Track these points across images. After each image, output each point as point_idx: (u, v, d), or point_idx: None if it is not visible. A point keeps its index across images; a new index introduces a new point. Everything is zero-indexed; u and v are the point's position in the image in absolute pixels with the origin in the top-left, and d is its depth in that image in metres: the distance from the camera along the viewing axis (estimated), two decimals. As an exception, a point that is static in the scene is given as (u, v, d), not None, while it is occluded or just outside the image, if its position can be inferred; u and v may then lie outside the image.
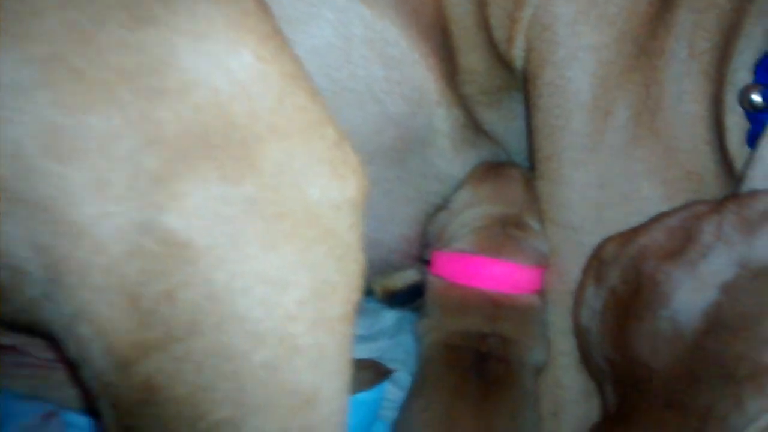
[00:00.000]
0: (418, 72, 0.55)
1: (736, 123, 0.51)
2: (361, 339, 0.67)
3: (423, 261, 0.65)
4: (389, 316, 0.69)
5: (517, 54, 0.59)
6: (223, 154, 0.33)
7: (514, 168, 0.64)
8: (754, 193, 0.45)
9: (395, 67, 0.54)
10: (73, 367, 0.41)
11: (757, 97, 0.48)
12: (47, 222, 0.34)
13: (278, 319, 0.34)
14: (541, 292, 0.60)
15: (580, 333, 0.56)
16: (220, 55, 0.33)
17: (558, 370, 0.59)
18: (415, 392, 0.58)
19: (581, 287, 0.56)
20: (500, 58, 0.61)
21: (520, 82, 0.61)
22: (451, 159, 0.62)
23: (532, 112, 0.58)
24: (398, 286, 0.68)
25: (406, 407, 0.58)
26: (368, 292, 0.70)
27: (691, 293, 0.45)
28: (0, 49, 0.32)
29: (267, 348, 0.34)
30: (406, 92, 0.55)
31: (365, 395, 0.63)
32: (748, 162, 0.48)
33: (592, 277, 0.55)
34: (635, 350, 0.50)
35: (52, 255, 0.34)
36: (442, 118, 0.59)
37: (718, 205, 0.45)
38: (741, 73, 0.50)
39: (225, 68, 0.33)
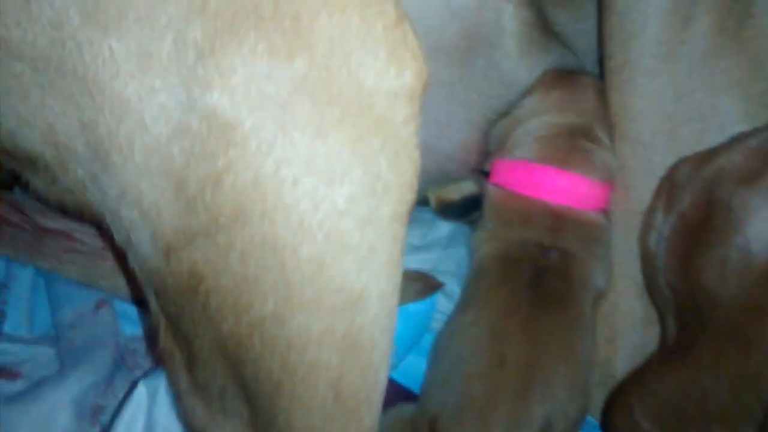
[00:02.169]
0: None
1: None
2: (414, 249, 0.65)
3: (482, 172, 0.62)
4: (443, 227, 0.67)
5: None
6: (272, 26, 0.30)
7: (585, 76, 0.60)
8: None
9: None
10: (120, 255, 0.40)
11: None
12: (91, 96, 0.32)
13: (327, 213, 0.32)
14: (608, 211, 0.57)
15: (646, 258, 0.53)
16: None
17: (617, 295, 0.57)
18: (463, 306, 0.56)
19: (651, 210, 0.52)
20: None
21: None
22: (517, 62, 0.57)
23: (605, 15, 0.53)
24: (454, 198, 0.65)
25: (452, 320, 0.56)
26: (423, 202, 0.67)
27: (765, 221, 0.41)
28: None
29: (314, 243, 0.32)
30: None
31: (416, 306, 0.61)
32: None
33: (663, 200, 0.51)
34: (702, 279, 0.47)
35: (97, 132, 0.32)
36: (510, 15, 0.55)
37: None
38: None
39: None
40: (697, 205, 0.47)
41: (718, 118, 0.50)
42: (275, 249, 0.32)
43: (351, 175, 0.32)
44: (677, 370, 0.48)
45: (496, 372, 0.51)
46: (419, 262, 0.64)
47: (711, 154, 0.48)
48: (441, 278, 0.63)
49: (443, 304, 0.62)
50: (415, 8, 0.51)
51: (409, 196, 0.35)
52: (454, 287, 0.62)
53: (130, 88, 0.31)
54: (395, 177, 0.33)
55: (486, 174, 0.60)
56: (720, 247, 0.45)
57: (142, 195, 0.33)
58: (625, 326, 0.56)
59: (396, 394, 0.59)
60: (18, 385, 0.50)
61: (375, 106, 0.32)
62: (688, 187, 0.49)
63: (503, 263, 0.55)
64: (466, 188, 0.65)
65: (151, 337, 0.48)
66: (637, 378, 0.53)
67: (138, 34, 0.30)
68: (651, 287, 0.53)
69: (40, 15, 0.31)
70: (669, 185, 0.50)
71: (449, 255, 0.65)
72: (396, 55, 0.32)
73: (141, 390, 0.44)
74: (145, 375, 0.46)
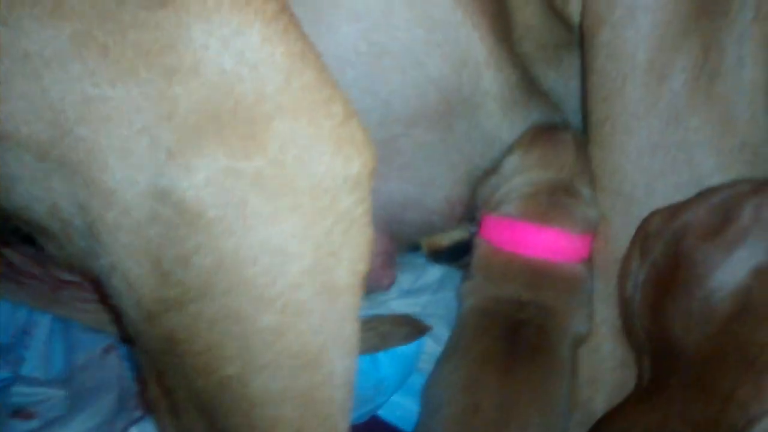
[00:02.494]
0: (462, 32, 0.54)
1: None
2: (404, 293, 0.69)
3: (471, 220, 0.65)
4: (434, 272, 0.70)
5: (574, 10, 0.56)
6: (230, 131, 0.34)
7: (566, 132, 0.62)
8: (799, 176, 0.42)
9: (437, 29, 0.53)
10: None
11: None
12: (84, 184, 0.37)
13: (283, 286, 0.36)
14: (589, 261, 0.60)
15: (623, 303, 0.55)
16: (227, 37, 0.34)
17: (599, 338, 0.59)
18: (446, 354, 0.59)
19: (627, 257, 0.55)
20: (557, 14, 0.58)
21: (578, 39, 0.59)
22: (499, 121, 0.60)
23: (587, 74, 0.56)
24: (444, 244, 0.68)
25: (436, 368, 0.59)
26: (416, 247, 0.71)
27: (725, 275, 0.44)
28: (36, 22, 0.35)
29: (272, 313, 0.36)
30: (448, 54, 0.54)
31: (403, 349, 0.65)
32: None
33: (638, 248, 0.54)
34: (669, 327, 0.49)
35: (90, 214, 0.37)
36: (490, 79, 0.58)
37: (760, 185, 0.43)
38: None
39: (233, 49, 0.34)
40: (666, 256, 0.50)
41: (693, 172, 0.52)
42: (238, 319, 0.37)
43: (304, 252, 0.36)
44: (649, 411, 0.51)
45: (471, 419, 0.54)
46: (408, 306, 0.68)
47: (679, 208, 0.51)
48: (429, 321, 0.66)
49: (431, 347, 0.65)
50: (394, 79, 0.55)
51: (361, 266, 0.39)
52: (442, 330, 0.65)
53: (114, 178, 0.36)
54: (347, 251, 0.38)
55: (476, 223, 0.63)
56: (684, 298, 0.47)
57: (128, 269, 0.38)
58: (605, 368, 0.58)
59: (384, 431, 0.62)
60: (33, 425, 0.55)
61: (326, 191, 0.36)
62: (659, 238, 0.51)
63: (482, 316, 0.58)
64: (456, 234, 0.68)
65: (142, 386, 0.52)
66: (612, 417, 0.55)
67: (120, 134, 0.35)
68: (628, 331, 0.55)
69: (42, 115, 0.36)
70: (643, 235, 0.53)
71: (438, 299, 0.68)
72: (343, 149, 0.36)
73: (133, 433, 0.49)
74: (138, 420, 0.51)
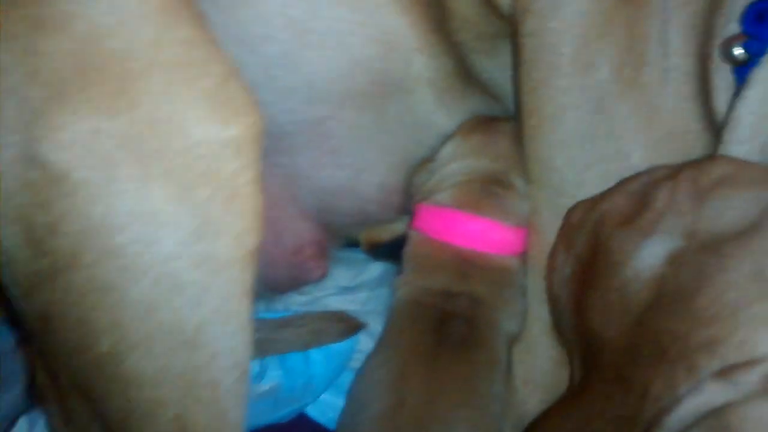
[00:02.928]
0: (389, 15, 0.52)
1: (723, 80, 0.45)
2: (342, 290, 0.67)
3: (409, 213, 0.63)
4: (374, 269, 0.68)
5: (504, 1, 0.55)
6: (98, 88, 0.33)
7: (505, 123, 0.61)
8: (713, 158, 0.40)
9: (360, 9, 0.51)
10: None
11: (738, 50, 0.42)
12: None
13: (156, 257, 0.34)
14: (522, 255, 0.58)
15: (552, 300, 0.53)
16: None
17: (532, 337, 0.57)
18: (376, 348, 0.57)
19: (553, 252, 0.53)
20: (490, 4, 0.57)
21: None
22: (434, 108, 0.59)
23: (516, 65, 0.55)
24: (383, 237, 0.66)
25: (366, 362, 0.57)
26: (356, 243, 0.69)
27: (640, 263, 0.41)
28: None
29: (144, 285, 0.34)
30: (374, 36, 0.52)
31: (336, 346, 0.62)
32: (725, 124, 0.43)
33: (563, 242, 0.52)
34: (590, 321, 0.47)
35: None
36: (423, 64, 0.56)
37: (677, 170, 0.41)
38: (730, 25, 0.44)
39: (103, 2, 0.32)
40: (588, 247, 0.48)
41: (620, 163, 0.50)
42: (107, 291, 0.34)
43: (178, 221, 0.34)
44: (574, 412, 0.49)
45: (396, 414, 0.52)
46: (346, 303, 0.65)
47: (601, 197, 0.49)
48: (366, 318, 0.64)
49: (367, 344, 0.63)
50: (318, 58, 0.54)
51: (248, 240, 0.37)
52: (378, 327, 0.63)
53: None
54: (230, 223, 0.35)
55: (411, 213, 0.61)
56: (602, 290, 0.45)
57: (6, 240, 0.36)
58: (539, 368, 0.57)
59: (312, 430, 0.60)
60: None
61: (203, 157, 0.34)
62: (581, 229, 0.49)
63: (411, 308, 0.56)
64: (396, 228, 0.66)
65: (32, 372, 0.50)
66: (541, 420, 0.53)
67: None
68: (558, 329, 0.53)
69: None
70: (567, 228, 0.51)
71: (377, 295, 0.66)
72: (220, 111, 0.34)
73: (21, 423, 0.47)
74: (29, 410, 0.49)
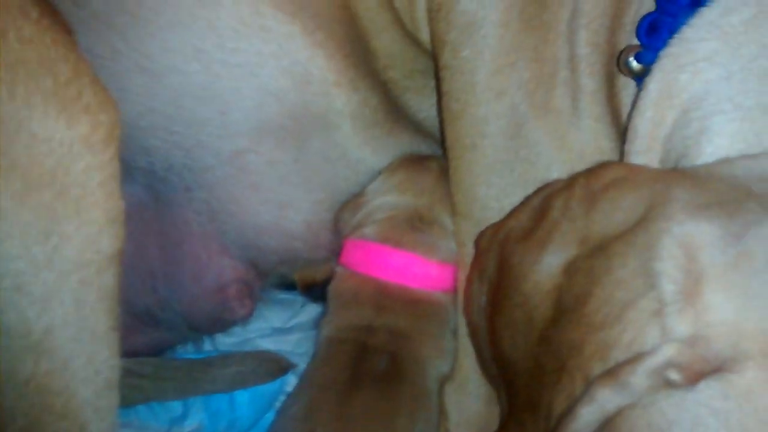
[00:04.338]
0: (302, 48, 0.53)
1: (629, 96, 0.45)
2: (275, 331, 0.66)
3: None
4: (310, 310, 0.67)
5: (423, 36, 0.56)
6: None
7: (433, 160, 0.61)
8: (605, 163, 0.39)
9: (271, 41, 0.52)
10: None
11: (633, 61, 0.42)
12: None
13: None
14: (452, 292, 0.57)
15: (472, 332, 0.52)
16: None
17: (463, 375, 0.55)
18: (295, 386, 0.56)
19: (468, 280, 0.51)
20: (413, 40, 0.58)
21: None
22: (360, 144, 0.59)
23: (438, 98, 0.55)
24: (317, 279, 0.65)
25: (285, 400, 0.56)
26: (292, 285, 0.68)
27: (539, 275, 0.40)
28: None
29: None
30: (286, 66, 0.53)
31: (263, 387, 0.61)
32: (624, 136, 0.43)
33: (476, 269, 0.50)
34: (501, 344, 0.45)
35: None
36: (344, 99, 0.57)
37: (572, 178, 0.40)
38: (630, 39, 0.44)
39: None
40: (496, 269, 0.47)
41: (538, 186, 0.50)
42: None
43: (19, 222, 0.34)
44: None
45: (305, 449, 0.50)
46: (278, 344, 0.64)
47: (506, 217, 0.48)
48: (297, 360, 0.63)
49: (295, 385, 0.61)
50: (226, 90, 0.54)
51: (103, 244, 0.36)
52: (308, 368, 0.62)
53: None
54: (78, 224, 0.35)
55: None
56: (508, 308, 0.43)
57: None
58: (471, 408, 0.55)
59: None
60: None
61: (47, 156, 0.34)
62: (490, 252, 0.48)
63: (332, 345, 0.55)
64: (332, 269, 0.66)
65: None
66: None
67: None
68: (481, 363, 0.51)
69: None
70: (478, 253, 0.50)
71: (310, 337, 0.64)
72: (67, 109, 0.34)
73: None
74: None
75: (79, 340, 0.35)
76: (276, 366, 0.62)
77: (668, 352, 0.31)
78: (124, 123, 0.38)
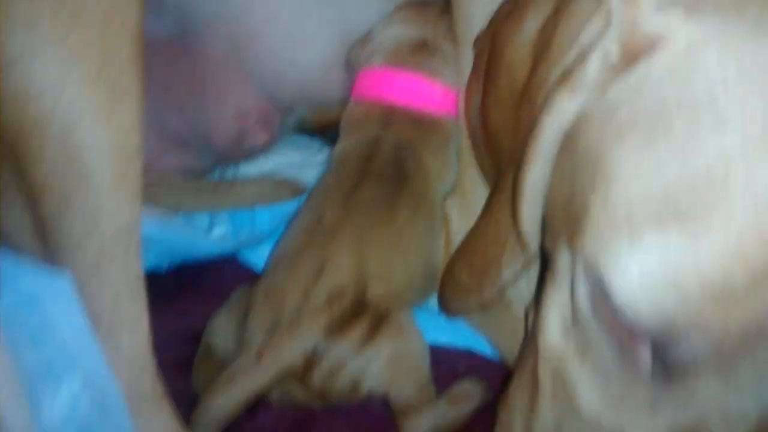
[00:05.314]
0: None
1: None
2: (292, 165, 0.71)
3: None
4: (326, 152, 0.72)
5: None
6: None
7: (436, 5, 0.66)
8: None
9: None
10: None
11: None
12: None
13: None
14: (454, 117, 0.62)
15: (471, 134, 0.56)
16: None
17: (464, 189, 0.60)
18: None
19: (468, 86, 0.56)
20: None
21: None
22: None
23: None
24: (332, 119, 0.71)
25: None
26: (309, 132, 0.74)
27: (520, 38, 0.45)
28: None
29: None
30: None
31: (282, 207, 0.66)
32: None
33: (474, 73, 0.55)
34: (490, 125, 0.50)
35: None
36: None
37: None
38: None
39: None
40: (487, 61, 0.50)
41: None
42: None
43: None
44: (481, 232, 0.51)
45: (314, 227, 0.56)
46: (294, 176, 0.70)
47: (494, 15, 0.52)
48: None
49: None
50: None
51: None
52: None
53: None
54: None
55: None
56: (495, 87, 0.48)
57: None
58: (471, 214, 0.59)
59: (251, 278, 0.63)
60: None
61: None
62: (483, 51, 0.53)
63: (341, 156, 0.61)
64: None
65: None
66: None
67: None
68: (479, 160, 0.56)
69: None
70: (475, 57, 0.55)
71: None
72: None
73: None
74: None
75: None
76: (293, 188, 0.68)
77: (610, 39, 0.34)
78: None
